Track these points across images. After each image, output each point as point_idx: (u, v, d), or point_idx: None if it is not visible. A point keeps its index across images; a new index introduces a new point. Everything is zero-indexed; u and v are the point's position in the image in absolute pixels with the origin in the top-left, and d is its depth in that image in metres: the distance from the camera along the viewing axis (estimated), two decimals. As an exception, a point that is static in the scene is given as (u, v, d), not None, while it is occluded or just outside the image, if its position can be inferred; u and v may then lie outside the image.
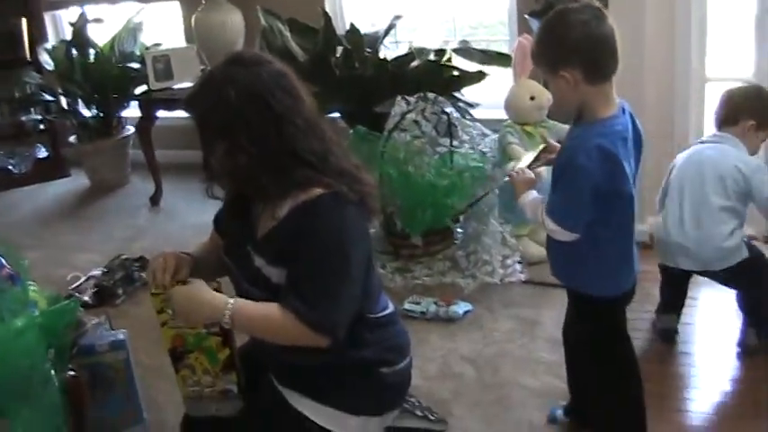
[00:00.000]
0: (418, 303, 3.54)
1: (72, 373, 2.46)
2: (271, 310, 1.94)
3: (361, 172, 2.08)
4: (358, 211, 2.00)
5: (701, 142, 3.09)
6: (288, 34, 4.38)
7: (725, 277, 2.99)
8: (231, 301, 1.95)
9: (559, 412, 2.70)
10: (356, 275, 1.98)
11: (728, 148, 2.94)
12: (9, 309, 2.19)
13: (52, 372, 2.12)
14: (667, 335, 3.17)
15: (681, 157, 3.07)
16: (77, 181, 6.00)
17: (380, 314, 2.17)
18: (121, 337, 2.79)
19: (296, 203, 1.95)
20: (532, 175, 2.40)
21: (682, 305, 3.20)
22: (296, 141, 1.93)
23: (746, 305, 3.06)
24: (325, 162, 1.98)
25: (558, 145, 2.40)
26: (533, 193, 2.36)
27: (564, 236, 2.21)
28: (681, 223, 2.94)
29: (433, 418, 2.67)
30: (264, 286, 1.99)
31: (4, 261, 2.33)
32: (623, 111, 2.18)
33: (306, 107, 1.99)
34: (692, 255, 2.94)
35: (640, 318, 3.21)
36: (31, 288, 2.43)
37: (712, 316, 3.17)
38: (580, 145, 2.12)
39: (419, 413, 2.64)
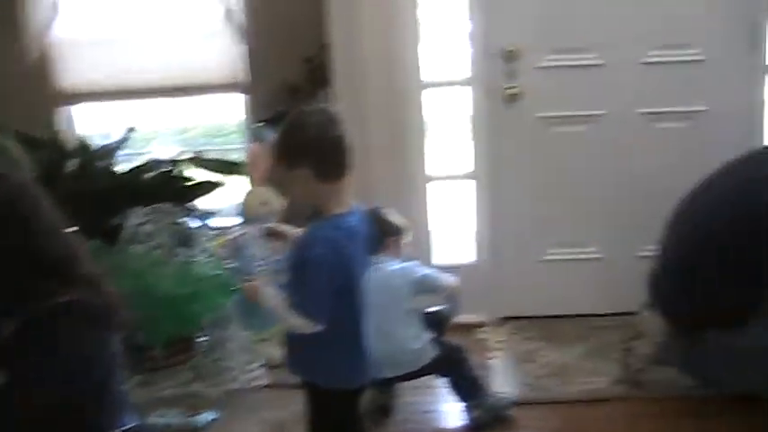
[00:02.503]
0: (163, 417, 3.48)
1: None
2: None
3: (105, 281, 2.07)
4: (99, 325, 1.98)
5: None
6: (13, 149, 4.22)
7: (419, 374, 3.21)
8: None
9: None
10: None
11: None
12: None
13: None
14: (383, 411, 3.31)
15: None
16: None
17: (121, 429, 2.12)
18: None
19: (29, 316, 1.89)
20: (256, 282, 2.46)
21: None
22: (43, 245, 1.93)
23: (457, 388, 3.23)
24: (70, 269, 1.97)
25: (285, 227, 2.59)
26: (271, 290, 2.38)
27: (309, 328, 2.27)
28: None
29: None
30: None
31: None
32: (356, 211, 2.34)
33: (48, 212, 1.99)
34: (391, 361, 3.07)
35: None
36: None
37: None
38: (312, 235, 2.27)
39: None
